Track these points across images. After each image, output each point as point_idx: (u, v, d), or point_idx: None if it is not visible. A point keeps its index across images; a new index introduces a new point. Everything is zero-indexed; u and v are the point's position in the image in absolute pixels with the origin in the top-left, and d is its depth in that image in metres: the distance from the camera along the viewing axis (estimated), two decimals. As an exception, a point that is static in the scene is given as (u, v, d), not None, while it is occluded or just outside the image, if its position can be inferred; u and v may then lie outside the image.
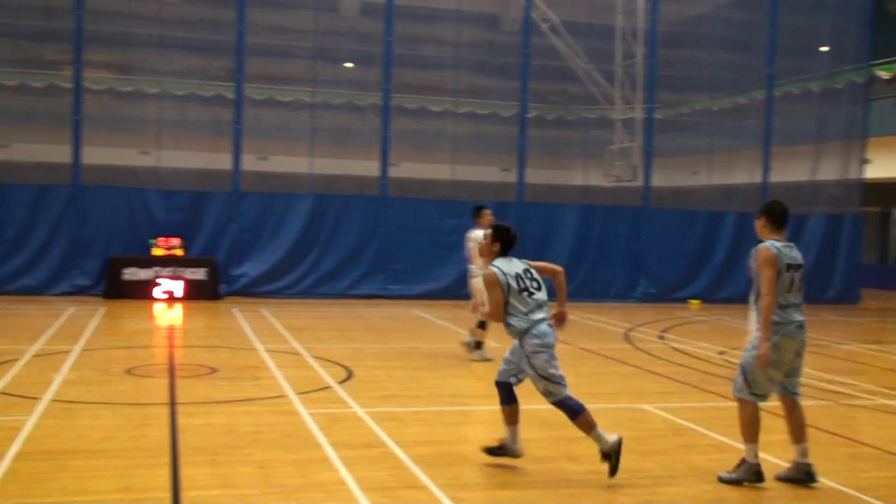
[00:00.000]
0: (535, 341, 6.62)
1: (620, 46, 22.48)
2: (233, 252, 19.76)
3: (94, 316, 15.68)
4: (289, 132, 22.62)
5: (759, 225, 6.85)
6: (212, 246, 19.65)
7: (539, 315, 6.69)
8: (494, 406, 7.18)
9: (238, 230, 19.85)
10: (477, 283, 11.98)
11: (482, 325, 12.13)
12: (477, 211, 12.46)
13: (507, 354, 6.93)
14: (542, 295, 6.79)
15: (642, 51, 22.19)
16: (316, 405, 8.93)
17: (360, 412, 8.61)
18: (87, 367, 10.72)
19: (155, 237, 19.06)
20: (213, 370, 10.80)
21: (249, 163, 20.63)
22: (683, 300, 21.65)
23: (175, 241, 19.09)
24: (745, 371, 6.68)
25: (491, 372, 7.54)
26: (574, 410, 6.62)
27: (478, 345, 12.17)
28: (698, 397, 10.22)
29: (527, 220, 20.48)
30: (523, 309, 6.67)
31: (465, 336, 12.39)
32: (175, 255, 18.93)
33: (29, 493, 6.01)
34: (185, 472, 6.54)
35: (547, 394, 6.68)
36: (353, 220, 20.53)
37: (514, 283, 6.70)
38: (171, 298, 18.54)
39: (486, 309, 7.24)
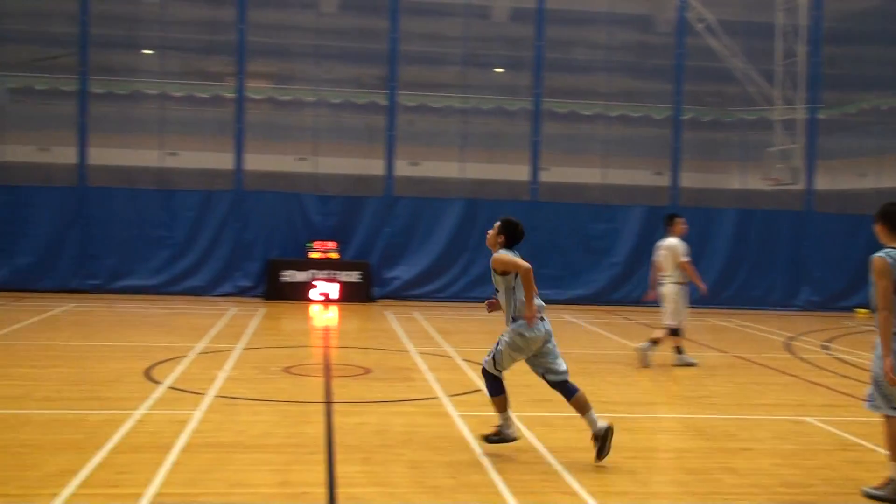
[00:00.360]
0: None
1: (781, 45, 21.64)
2: (386, 255, 20.13)
3: (254, 316, 16.30)
4: (440, 138, 22.87)
5: (877, 231, 6.31)
6: (365, 249, 20.08)
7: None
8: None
9: (391, 234, 20.21)
10: (667, 291, 11.83)
11: (675, 333, 11.92)
12: (669, 219, 12.26)
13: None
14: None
15: (804, 49, 21.28)
16: (467, 408, 8.97)
17: (511, 416, 8.58)
18: (249, 365, 11.14)
19: (312, 241, 19.64)
20: (367, 371, 11.02)
21: (402, 168, 20.99)
22: (849, 309, 20.58)
23: (331, 245, 19.62)
24: (877, 385, 6.23)
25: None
26: (494, 388, 7.29)
27: (678, 349, 12.01)
28: (867, 411, 9.67)
29: (681, 224, 19.94)
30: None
31: (646, 344, 12.05)
32: (331, 259, 19.45)
33: (195, 484, 6.28)
34: (340, 469, 6.69)
35: (488, 361, 7.33)
36: (504, 224, 20.49)
37: None
38: (327, 300, 19.06)
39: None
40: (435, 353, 12.58)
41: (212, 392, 9.34)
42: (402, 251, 20.25)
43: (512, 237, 7.60)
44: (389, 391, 9.83)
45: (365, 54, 22.40)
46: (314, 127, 21.55)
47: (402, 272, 20.18)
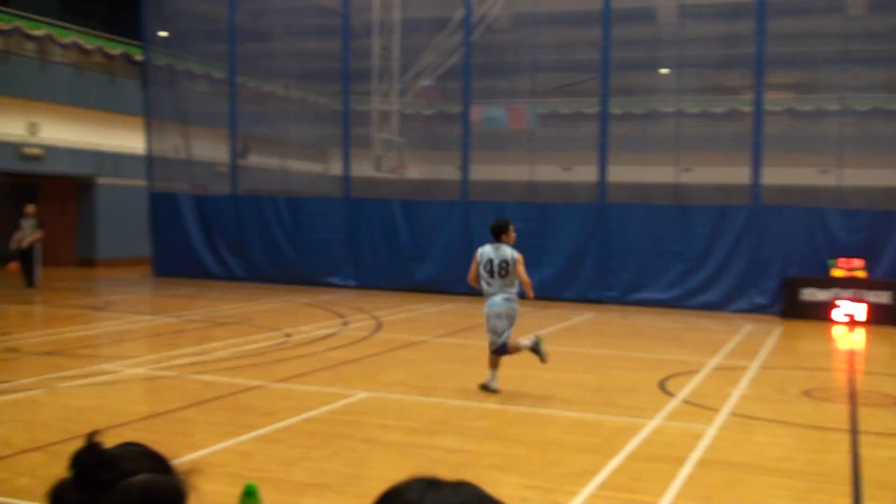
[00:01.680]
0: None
1: None
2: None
3: (770, 334, 15.66)
4: None
5: None
6: (896, 268, 18.26)
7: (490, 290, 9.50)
8: None
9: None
10: None
11: None
12: None
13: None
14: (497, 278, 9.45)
15: None
16: None
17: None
18: (764, 385, 10.70)
19: (835, 257, 18.37)
20: (899, 401, 9.96)
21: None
22: None
23: (857, 263, 18.16)
24: None
25: None
26: (501, 350, 9.60)
27: None
28: None
29: None
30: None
31: None
32: (856, 277, 18.01)
33: (709, 501, 6.14)
34: (869, 506, 6.09)
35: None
36: None
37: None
38: (852, 322, 17.65)
39: None
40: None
41: (726, 409, 9.11)
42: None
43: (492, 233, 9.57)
44: (927, 425, 8.75)
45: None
46: (838, 137, 20.15)
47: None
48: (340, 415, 8.52)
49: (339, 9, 22.25)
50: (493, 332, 9.49)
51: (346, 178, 22.25)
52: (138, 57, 26.01)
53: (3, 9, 24.43)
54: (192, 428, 7.85)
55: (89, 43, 26.15)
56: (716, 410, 9.00)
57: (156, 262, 23.92)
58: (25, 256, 20.13)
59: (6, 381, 9.64)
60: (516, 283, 9.47)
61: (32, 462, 6.68)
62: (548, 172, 22.42)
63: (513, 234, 9.53)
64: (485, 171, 22.06)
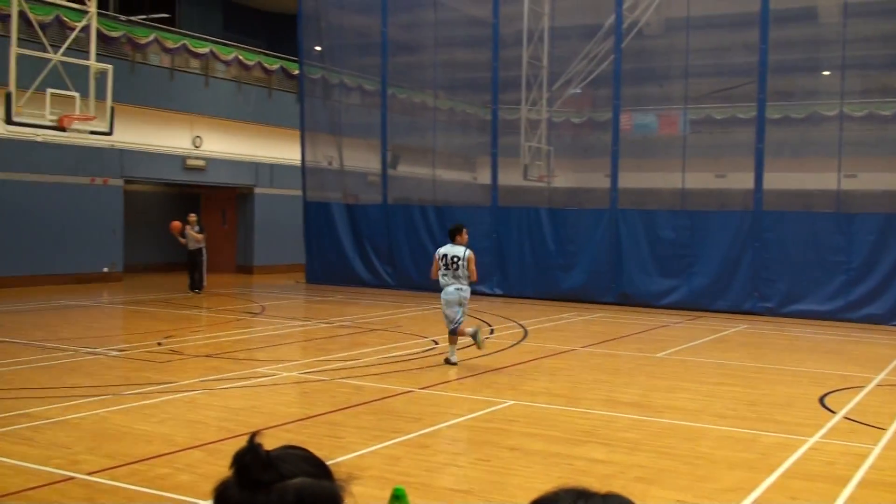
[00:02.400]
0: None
1: None
2: None
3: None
4: None
5: None
6: None
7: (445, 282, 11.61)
8: None
9: None
10: None
11: None
12: None
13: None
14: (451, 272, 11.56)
15: None
16: None
17: None
18: (936, 404, 10.04)
19: None
20: None
21: None
22: None
23: None
24: None
25: None
26: (453, 332, 11.52)
27: None
28: None
29: None
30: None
31: None
32: None
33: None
34: None
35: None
36: None
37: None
38: None
39: None
40: None
41: (893, 427, 8.60)
42: None
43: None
44: None
45: None
46: None
47: None
48: (486, 422, 8.53)
49: (489, 19, 22.39)
50: (448, 317, 11.55)
51: (493, 187, 22.33)
52: (295, 71, 26.96)
53: (170, 28, 25.80)
54: (342, 431, 8.02)
55: (249, 59, 27.27)
56: (882, 429, 8.51)
57: (309, 269, 24.67)
58: (192, 261, 21.24)
59: (170, 382, 10.13)
60: (467, 276, 11.51)
61: (192, 459, 6.98)
62: (700, 179, 21.84)
63: (465, 237, 11.79)
64: (634, 179, 21.68)
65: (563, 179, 24.77)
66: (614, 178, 20.79)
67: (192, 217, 21.77)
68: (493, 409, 9.09)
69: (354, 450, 7.33)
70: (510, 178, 22.76)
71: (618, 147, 20.87)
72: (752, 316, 18.72)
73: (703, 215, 20.01)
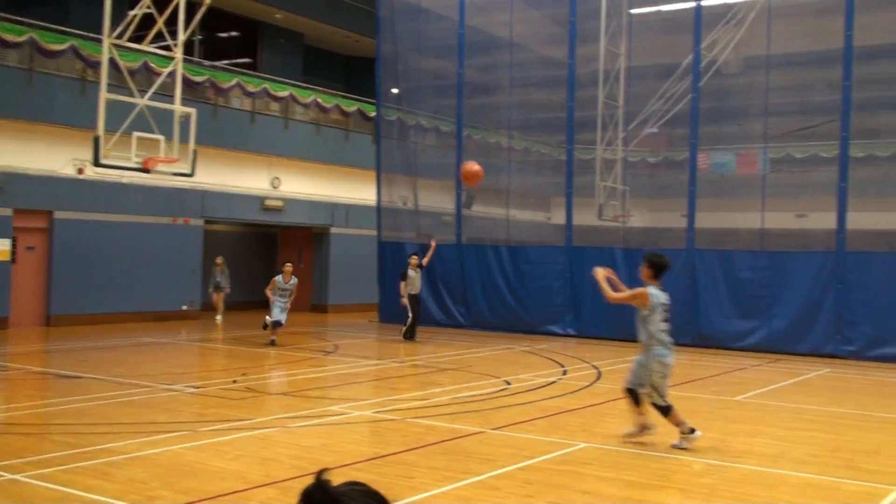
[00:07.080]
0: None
1: None
2: None
3: None
4: None
5: None
6: None
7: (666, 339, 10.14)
8: None
9: None
10: None
11: None
12: None
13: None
14: None
15: None
16: None
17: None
18: None
19: None
20: None
21: None
22: None
23: None
24: None
25: None
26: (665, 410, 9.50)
27: None
28: None
29: None
30: None
31: None
32: None
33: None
34: None
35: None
36: None
37: None
38: None
39: None
40: None
41: None
42: None
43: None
44: None
45: None
46: None
47: None
48: (558, 464, 8.41)
49: (565, 60, 22.45)
50: (658, 389, 9.76)
51: (568, 227, 22.22)
52: (371, 113, 27.37)
53: (252, 73, 26.48)
54: (413, 471, 7.99)
55: (327, 101, 27.80)
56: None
57: (382, 308, 24.79)
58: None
59: (244, 419, 10.25)
60: None
61: (264, 496, 7.03)
62: (780, 219, 21.40)
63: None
64: (711, 219, 21.35)
65: (639, 219, 24.53)
66: (691, 217, 20.51)
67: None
68: (565, 451, 8.96)
69: (426, 490, 7.29)
70: (585, 217, 22.63)
71: (695, 187, 20.60)
72: (835, 359, 18.17)
73: (783, 256, 19.58)
